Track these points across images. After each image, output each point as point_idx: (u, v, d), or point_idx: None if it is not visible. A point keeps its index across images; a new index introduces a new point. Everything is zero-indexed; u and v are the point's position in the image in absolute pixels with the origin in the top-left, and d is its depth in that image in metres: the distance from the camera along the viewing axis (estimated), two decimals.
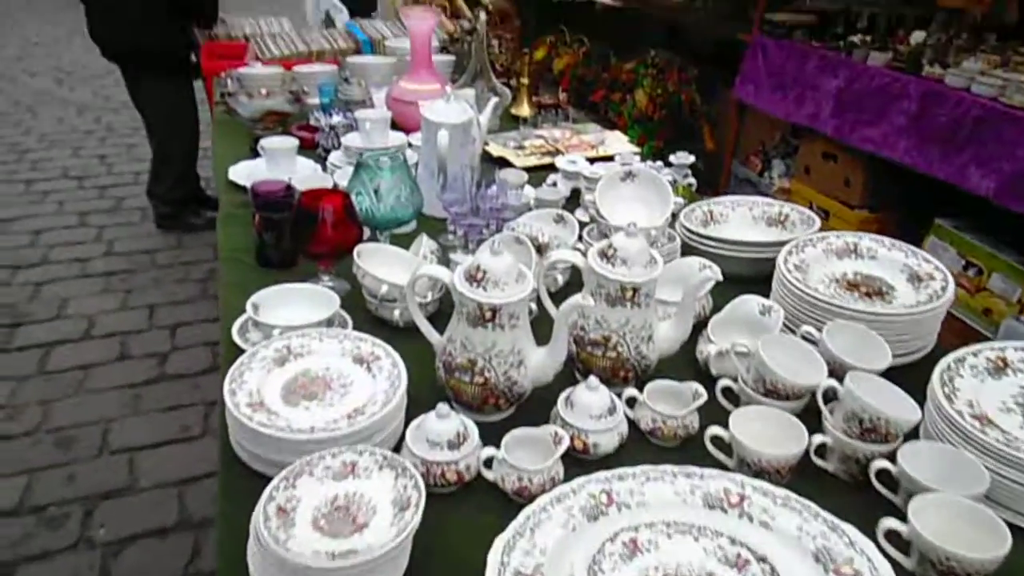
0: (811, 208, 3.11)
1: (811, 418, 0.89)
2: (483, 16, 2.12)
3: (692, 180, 1.66)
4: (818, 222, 1.32)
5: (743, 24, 3.48)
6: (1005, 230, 2.39)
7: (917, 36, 2.91)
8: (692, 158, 1.67)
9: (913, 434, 0.87)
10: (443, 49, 2.72)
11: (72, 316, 2.89)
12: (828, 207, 3.01)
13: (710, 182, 3.84)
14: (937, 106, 2.48)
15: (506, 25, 5.96)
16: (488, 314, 0.86)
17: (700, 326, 1.09)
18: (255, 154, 1.90)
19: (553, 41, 5.84)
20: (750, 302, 1.07)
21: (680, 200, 1.41)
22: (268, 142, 1.77)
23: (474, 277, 0.86)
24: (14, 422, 2.29)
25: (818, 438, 0.85)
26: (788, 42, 3.17)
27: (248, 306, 1.09)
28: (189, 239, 3.60)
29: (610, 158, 1.87)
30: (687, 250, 1.33)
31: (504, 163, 1.91)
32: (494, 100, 1.85)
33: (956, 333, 2.42)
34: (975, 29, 3.04)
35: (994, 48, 2.96)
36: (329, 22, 3.43)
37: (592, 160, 1.84)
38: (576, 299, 0.86)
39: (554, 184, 1.72)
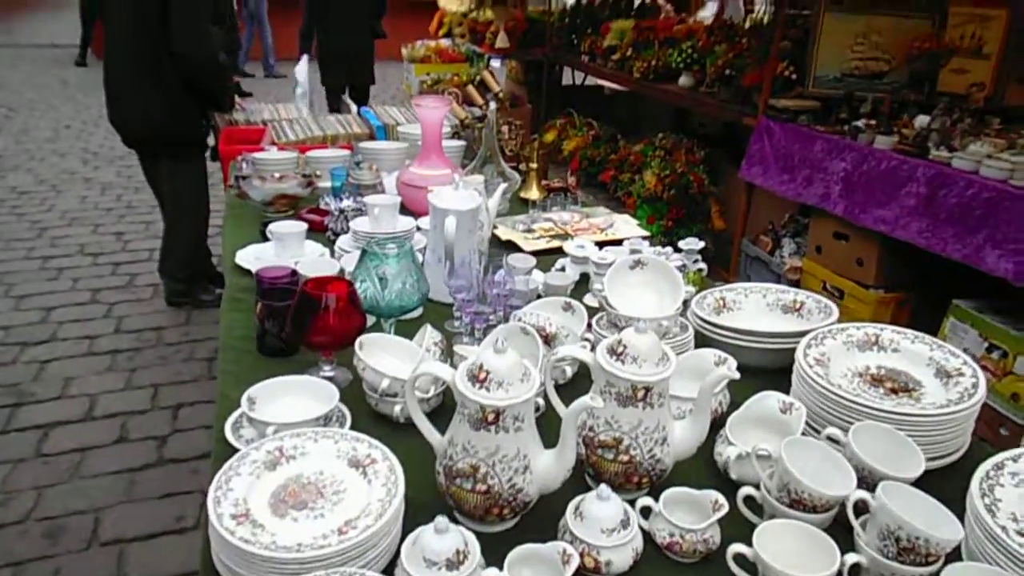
0: (824, 288, 3.08)
1: (842, 532, 0.82)
2: (493, 105, 2.16)
3: (703, 265, 1.63)
4: (835, 311, 1.28)
5: (749, 108, 3.55)
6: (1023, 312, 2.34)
7: (921, 120, 2.94)
8: (701, 243, 1.65)
9: (955, 553, 0.80)
10: (454, 134, 2.77)
11: (75, 396, 2.86)
12: (842, 286, 2.97)
13: (721, 261, 3.83)
14: (947, 188, 2.47)
15: (517, 109, 6.15)
16: (491, 416, 0.81)
17: (718, 424, 1.03)
18: (264, 238, 1.90)
19: (563, 124, 6.00)
20: (770, 399, 1.01)
21: (691, 289, 1.38)
22: (276, 226, 1.77)
23: (477, 377, 0.82)
24: (6, 508, 2.22)
25: (851, 557, 0.78)
26: (793, 126, 3.21)
27: (244, 401, 1.04)
28: (198, 316, 3.60)
29: (619, 242, 1.85)
30: (701, 340, 1.28)
31: (513, 247, 1.90)
32: (503, 185, 1.86)
33: (986, 421, 2.32)
34: (977, 113, 3.08)
35: (998, 132, 2.98)
36: (346, 108, 3.54)
37: (601, 244, 1.82)
38: (585, 400, 0.82)
39: (563, 269, 1.69)
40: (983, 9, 3.26)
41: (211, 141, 3.60)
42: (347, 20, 5.26)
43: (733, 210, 3.82)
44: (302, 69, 4.40)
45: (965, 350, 2.39)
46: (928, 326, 2.64)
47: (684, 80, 4.28)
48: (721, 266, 3.83)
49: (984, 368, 2.32)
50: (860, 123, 3.00)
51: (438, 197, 1.55)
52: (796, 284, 3.26)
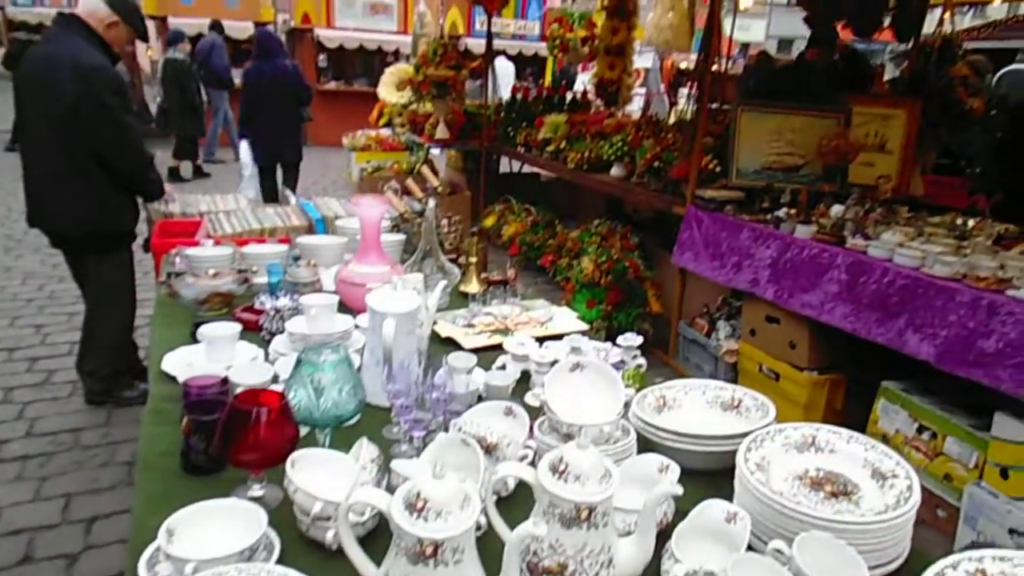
0: (761, 371, 3.16)
1: None
2: (432, 202, 2.19)
3: (642, 361, 1.65)
4: (772, 410, 1.30)
5: (678, 198, 3.72)
6: (954, 390, 2.44)
7: (836, 210, 3.15)
8: (639, 338, 1.67)
9: None
10: (394, 227, 2.78)
11: None
12: (778, 369, 3.06)
13: (661, 344, 3.90)
14: (865, 275, 2.62)
15: (457, 196, 6.26)
16: (429, 550, 0.77)
17: (663, 535, 1.01)
18: (195, 339, 1.82)
19: (502, 210, 6.14)
20: (714, 508, 1.00)
21: (630, 391, 1.38)
22: (207, 329, 1.71)
23: (414, 506, 0.78)
24: None
25: None
26: (720, 215, 3.38)
27: (161, 533, 0.96)
28: (120, 415, 3.38)
29: (559, 336, 1.86)
30: (643, 441, 1.28)
31: (453, 344, 1.88)
32: (442, 283, 1.86)
33: (923, 503, 2.37)
34: (887, 203, 3.32)
35: (907, 220, 3.22)
36: (284, 199, 3.53)
37: (541, 339, 1.82)
38: (527, 527, 0.79)
39: (503, 367, 1.68)
40: (883, 110, 3.58)
41: (144, 232, 3.50)
42: (276, 107, 6.00)
43: (669, 293, 3.94)
44: (245, 151, 4.77)
45: (897, 431, 2.47)
46: (862, 407, 2.74)
47: (616, 171, 4.48)
48: (660, 349, 3.90)
49: (916, 449, 2.40)
50: (781, 213, 3.18)
51: (376, 299, 1.53)
52: (733, 367, 3.34)
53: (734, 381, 3.37)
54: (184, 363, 1.66)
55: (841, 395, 2.94)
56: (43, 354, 4.05)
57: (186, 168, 8.54)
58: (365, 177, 6.74)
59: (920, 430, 2.44)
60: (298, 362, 1.31)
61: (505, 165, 7.12)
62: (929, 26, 4.09)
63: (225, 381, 1.38)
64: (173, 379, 1.60)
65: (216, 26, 9.98)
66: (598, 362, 1.28)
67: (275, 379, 1.52)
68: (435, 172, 6.99)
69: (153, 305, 2.32)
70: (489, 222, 6.24)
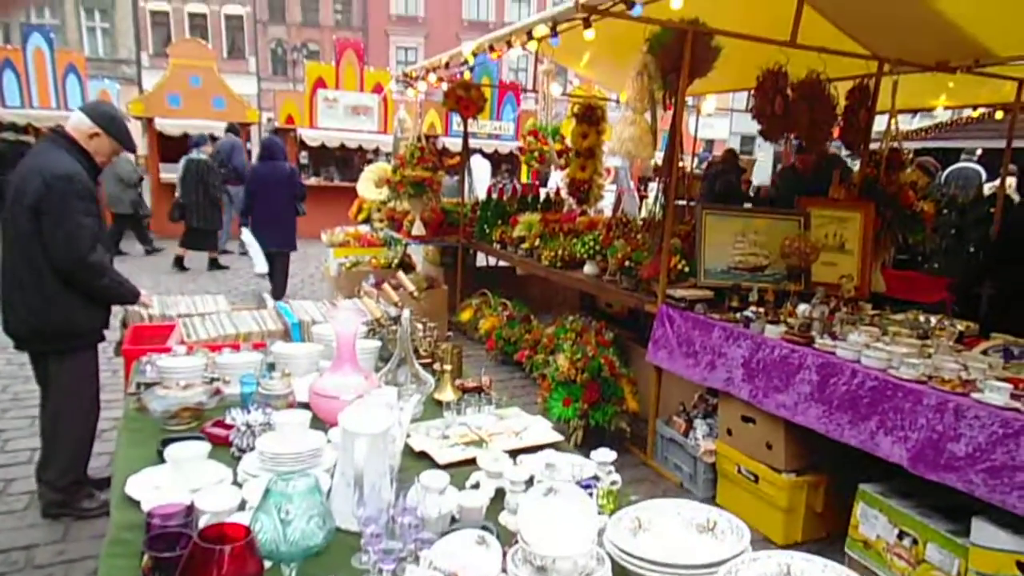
0: (739, 471, 3.14)
1: None
2: (407, 312, 2.22)
3: (616, 477, 1.64)
4: (747, 533, 1.29)
5: (649, 296, 3.80)
6: (932, 491, 2.42)
7: (803, 308, 3.23)
8: (613, 455, 1.67)
9: None
10: (370, 331, 2.79)
11: None
12: (756, 470, 3.04)
13: (639, 443, 3.87)
14: (835, 376, 2.67)
15: (434, 291, 6.31)
16: None
17: None
18: (162, 458, 1.78)
19: (478, 304, 6.20)
20: None
21: (604, 518, 1.37)
22: (175, 450, 1.67)
23: None
24: None
25: None
26: (692, 314, 3.45)
27: None
28: (78, 529, 3.22)
29: (535, 448, 1.86)
30: (619, 570, 1.25)
31: (426, 457, 1.86)
32: (416, 397, 1.85)
33: None
34: (851, 301, 3.43)
35: (872, 318, 3.31)
36: (260, 302, 3.54)
37: (514, 453, 1.81)
38: None
39: (477, 484, 1.66)
40: (840, 212, 3.76)
41: (118, 335, 3.46)
42: (276, 201, 7.00)
43: (646, 389, 3.95)
44: (248, 234, 6.51)
45: (878, 537, 2.44)
46: (843, 509, 2.71)
47: (589, 268, 4.58)
48: (639, 447, 3.87)
49: (898, 556, 2.37)
50: (751, 313, 3.25)
51: (349, 419, 1.52)
52: (712, 467, 3.32)
53: (713, 482, 3.34)
54: (150, 486, 1.61)
55: (821, 497, 2.92)
56: (2, 462, 3.89)
57: (191, 259, 9.17)
58: (343, 273, 6.78)
59: (901, 535, 2.41)
60: (266, 492, 1.28)
61: (482, 259, 7.24)
62: (880, 123, 4.40)
63: (191, 509, 1.34)
64: (138, 503, 1.54)
65: (232, 128, 10.63)
66: (571, 488, 1.28)
67: (242, 505, 1.48)
68: (412, 266, 7.09)
69: (122, 411, 2.26)
70: (466, 316, 6.28)
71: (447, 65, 5.49)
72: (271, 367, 2.44)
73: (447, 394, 2.30)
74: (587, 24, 3.20)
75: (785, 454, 2.93)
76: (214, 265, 9.21)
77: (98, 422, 3.39)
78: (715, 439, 3.36)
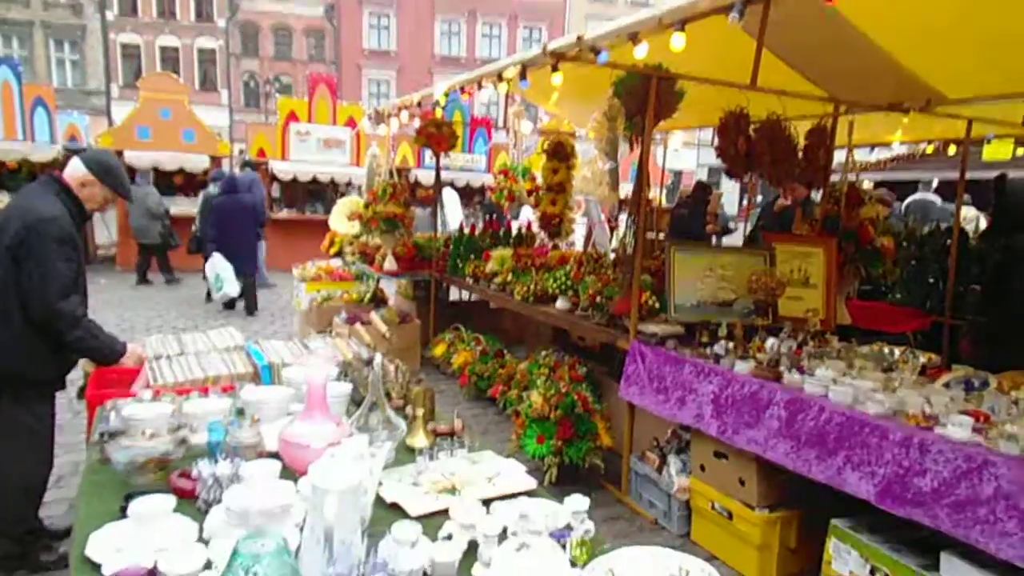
0: (713, 508, 3.15)
1: None
2: (379, 356, 2.21)
3: (589, 526, 1.64)
4: None
5: (621, 332, 3.83)
6: (902, 524, 2.44)
7: (771, 343, 3.29)
8: (587, 502, 1.67)
9: None
10: (342, 373, 2.77)
11: None
12: (729, 507, 3.05)
13: (613, 479, 3.87)
14: (803, 412, 2.71)
15: (407, 325, 6.28)
16: None
17: None
18: (124, 512, 1.73)
19: (452, 339, 6.18)
20: None
21: (577, 570, 1.37)
22: (138, 505, 1.63)
23: None
24: None
25: None
26: (663, 350, 3.48)
27: None
28: None
29: (510, 496, 1.85)
30: None
31: (398, 508, 1.84)
32: (387, 446, 1.84)
33: None
34: (817, 334, 3.50)
35: (838, 351, 3.38)
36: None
37: (487, 502, 1.80)
38: None
39: (450, 536, 1.64)
40: (804, 248, 3.85)
41: (80, 377, 3.37)
42: (239, 230, 8.15)
43: (619, 424, 3.95)
44: (220, 259, 7.77)
45: (851, 573, 2.47)
46: (817, 544, 2.73)
47: (561, 303, 4.61)
48: (614, 484, 3.86)
49: None
50: (720, 349, 3.30)
51: (318, 474, 1.50)
52: (687, 504, 3.33)
53: (688, 519, 3.35)
54: (111, 547, 1.56)
55: (795, 533, 2.94)
56: None
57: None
58: (315, 307, 6.73)
59: (873, 571, 2.44)
60: (234, 553, 1.26)
61: (455, 292, 7.24)
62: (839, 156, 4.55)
63: (153, 573, 1.31)
64: (99, 566, 1.50)
65: (249, 163, 11.07)
66: (543, 542, 1.28)
67: (208, 565, 1.45)
68: (385, 301, 7.06)
69: (85, 457, 2.19)
70: (439, 351, 6.25)
71: (419, 104, 5.55)
72: (240, 412, 2.41)
73: (419, 439, 2.29)
74: (555, 68, 3.28)
75: (758, 490, 2.95)
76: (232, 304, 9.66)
77: (50, 473, 3.25)
78: (688, 475, 3.37)
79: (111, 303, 8.80)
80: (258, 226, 8.37)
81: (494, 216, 8.61)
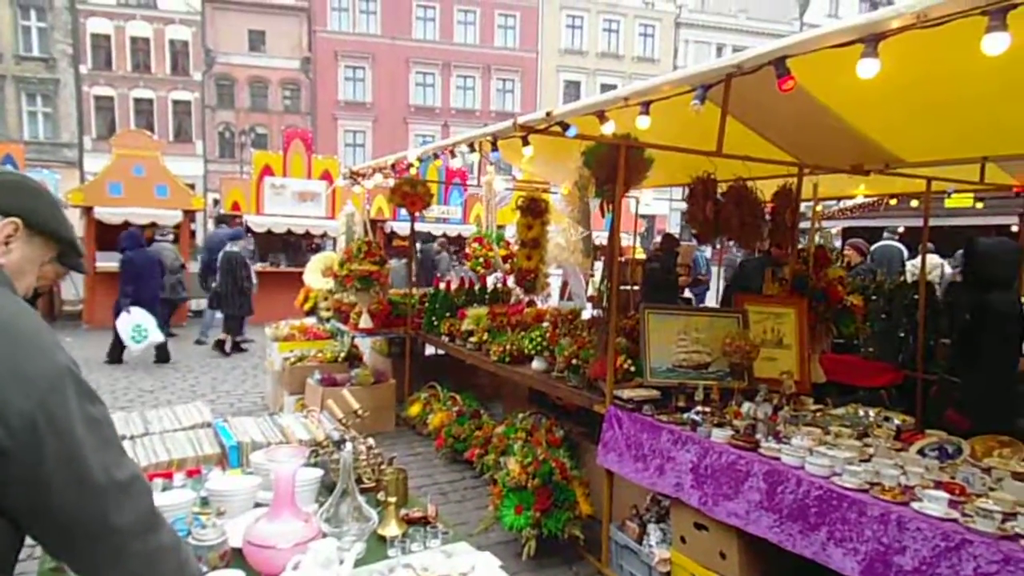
0: None
1: None
2: (349, 446, 2.15)
3: None
4: None
5: (597, 395, 3.80)
6: None
7: (747, 407, 3.29)
8: None
9: None
10: (312, 453, 2.69)
11: None
12: None
13: (593, 550, 3.78)
14: (782, 484, 2.68)
15: (381, 385, 6.18)
16: None
17: None
18: None
19: (427, 397, 6.09)
20: None
21: None
22: None
23: None
24: None
25: None
26: (639, 415, 3.45)
27: None
28: None
29: None
30: None
31: None
32: (358, 546, 1.77)
33: None
34: (793, 396, 3.50)
35: (814, 414, 3.38)
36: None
37: None
38: None
39: None
40: (776, 308, 3.89)
41: None
42: (151, 282, 8.79)
43: (598, 488, 3.88)
44: (141, 313, 8.21)
45: None
46: None
47: (537, 364, 4.58)
48: (594, 555, 3.78)
49: None
50: (696, 416, 3.28)
51: None
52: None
53: None
54: None
55: None
56: None
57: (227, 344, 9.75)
58: (287, 368, 6.60)
59: None
60: None
61: (431, 348, 7.17)
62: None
63: None
64: None
65: (224, 219, 11.60)
66: None
67: None
68: (359, 358, 6.96)
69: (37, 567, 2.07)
70: (414, 410, 6.15)
71: (393, 166, 5.59)
72: (204, 501, 2.32)
73: (391, 529, 2.21)
74: (525, 142, 3.33)
75: (740, 565, 2.89)
76: (236, 348, 9.95)
77: None
78: (669, 546, 3.30)
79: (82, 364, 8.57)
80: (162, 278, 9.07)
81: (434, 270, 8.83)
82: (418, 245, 10.72)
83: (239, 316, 9.81)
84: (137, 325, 8.28)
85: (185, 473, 2.69)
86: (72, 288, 12.13)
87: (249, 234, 11.44)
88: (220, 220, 11.09)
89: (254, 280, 10.17)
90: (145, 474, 2.55)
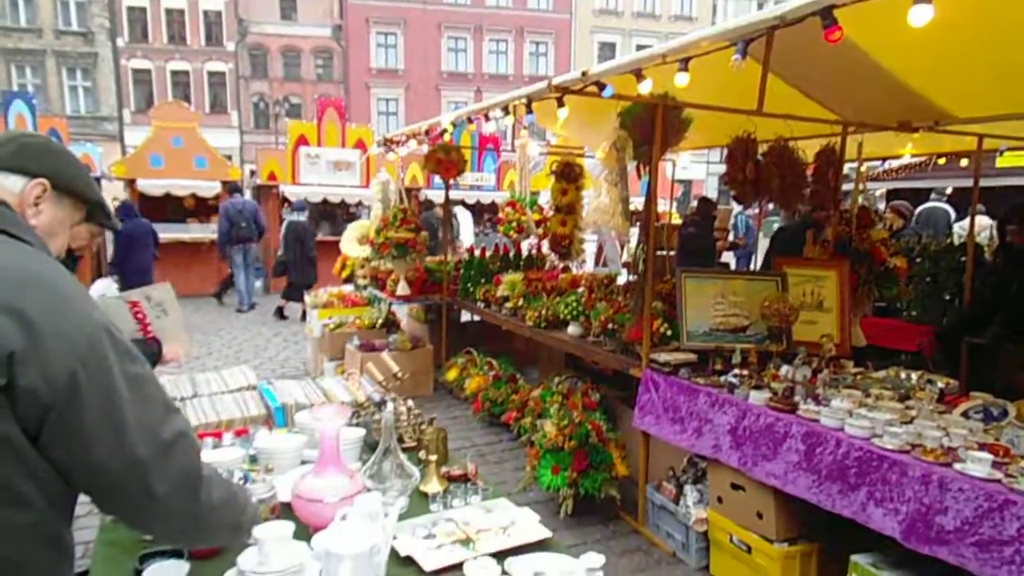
0: (732, 541, 3.11)
1: None
2: (390, 405, 2.21)
3: None
4: None
5: (634, 359, 3.81)
6: (924, 560, 2.39)
7: (785, 370, 3.26)
8: (602, 559, 1.65)
9: None
10: (353, 414, 2.76)
11: None
12: (748, 540, 3.01)
13: (630, 508, 3.83)
14: (821, 446, 2.67)
15: (419, 350, 6.28)
16: None
17: None
18: None
19: (464, 363, 6.17)
20: None
21: None
22: (151, 574, 1.63)
23: None
24: None
25: None
26: (676, 379, 3.45)
27: None
28: None
29: (521, 548, 1.84)
30: None
31: (412, 563, 1.83)
32: (402, 500, 1.84)
33: None
34: (833, 359, 3.46)
35: (854, 376, 3.33)
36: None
37: (503, 555, 1.79)
38: None
39: None
40: (816, 271, 3.82)
41: None
42: (144, 252, 8.56)
43: (634, 450, 3.92)
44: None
45: None
46: None
47: (573, 329, 4.60)
48: (630, 514, 3.83)
49: None
50: (734, 378, 3.27)
51: (332, 539, 1.50)
52: (705, 535, 3.29)
53: (706, 551, 3.31)
54: None
55: (814, 567, 2.89)
56: None
57: (289, 308, 10.04)
58: (327, 334, 6.75)
59: None
60: None
61: (467, 314, 7.24)
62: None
63: None
64: None
65: (237, 189, 11.57)
66: None
67: None
68: (397, 325, 7.07)
69: (95, 535, 2.17)
70: (452, 375, 6.24)
71: (427, 132, 5.59)
72: (253, 459, 2.41)
73: (432, 485, 2.27)
74: (560, 103, 3.29)
75: (776, 523, 2.90)
76: (304, 316, 10.44)
77: None
78: (706, 506, 3.33)
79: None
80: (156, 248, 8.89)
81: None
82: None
83: (304, 284, 9.81)
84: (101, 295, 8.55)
85: (233, 433, 2.79)
86: None
87: (285, 204, 11.58)
88: (233, 189, 11.25)
89: (244, 249, 10.47)
90: (195, 433, 2.68)
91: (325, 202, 12.60)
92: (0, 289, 1.08)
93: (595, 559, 1.65)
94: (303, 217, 10.32)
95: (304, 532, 1.86)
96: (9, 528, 1.09)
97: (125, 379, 1.16)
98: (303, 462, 2.43)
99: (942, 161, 6.31)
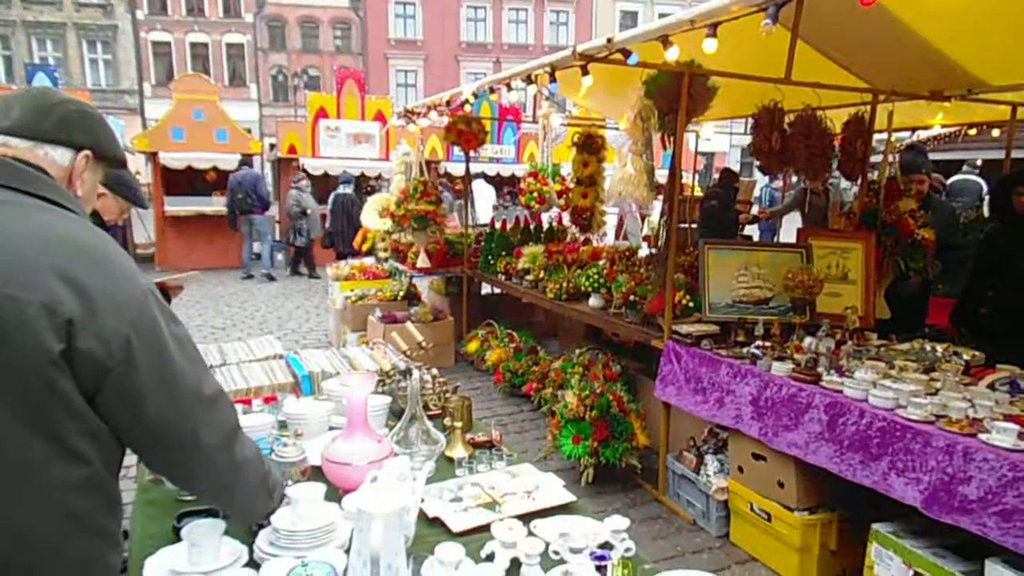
0: (752, 510, 3.14)
1: None
2: (416, 373, 2.25)
3: (630, 544, 1.65)
4: None
5: (655, 330, 3.82)
6: (944, 530, 2.40)
7: (809, 342, 3.24)
8: (626, 521, 1.68)
9: None
10: (379, 382, 2.81)
11: None
12: (769, 509, 3.04)
13: (650, 478, 3.88)
14: (844, 416, 2.67)
15: (439, 322, 6.33)
16: None
17: None
18: (177, 535, 1.80)
19: (485, 335, 6.22)
20: None
21: None
22: (190, 530, 1.69)
23: None
24: None
25: None
26: (698, 350, 3.46)
27: None
28: None
29: (546, 512, 1.88)
30: None
31: (440, 524, 1.88)
32: (429, 464, 1.88)
33: None
34: (856, 331, 3.44)
35: (878, 348, 3.32)
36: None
37: (528, 518, 1.83)
38: None
39: (491, 556, 1.68)
40: (842, 243, 3.78)
41: None
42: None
43: (655, 421, 3.95)
44: None
45: None
46: (859, 546, 2.71)
47: (594, 301, 4.61)
48: (650, 483, 3.87)
49: None
50: (757, 349, 3.26)
51: (364, 499, 1.54)
52: (725, 504, 3.32)
53: (727, 519, 3.35)
54: (166, 568, 1.63)
55: (835, 535, 2.91)
56: None
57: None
58: (349, 306, 6.83)
59: None
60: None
61: (487, 286, 7.28)
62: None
63: None
64: None
65: (246, 161, 11.69)
66: (586, 570, 1.29)
67: None
68: (418, 297, 7.12)
69: (135, 496, 2.25)
70: (472, 347, 6.30)
71: (447, 103, 5.56)
72: (282, 425, 2.48)
73: (458, 451, 2.32)
74: (584, 71, 3.25)
75: (797, 492, 2.93)
76: (296, 272, 10.92)
77: None
78: (726, 476, 3.36)
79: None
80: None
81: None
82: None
83: (351, 255, 9.97)
84: None
85: (263, 400, 2.86)
86: (144, 232, 12.68)
87: (306, 177, 11.65)
88: (242, 162, 11.32)
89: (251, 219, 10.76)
90: None
91: (346, 174, 12.61)
92: (55, 258, 1.11)
93: (620, 522, 1.69)
94: (349, 190, 10.59)
95: (334, 494, 1.92)
96: (68, 482, 1.15)
97: (173, 339, 1.23)
98: (331, 428, 2.49)
99: (973, 132, 6.15)
